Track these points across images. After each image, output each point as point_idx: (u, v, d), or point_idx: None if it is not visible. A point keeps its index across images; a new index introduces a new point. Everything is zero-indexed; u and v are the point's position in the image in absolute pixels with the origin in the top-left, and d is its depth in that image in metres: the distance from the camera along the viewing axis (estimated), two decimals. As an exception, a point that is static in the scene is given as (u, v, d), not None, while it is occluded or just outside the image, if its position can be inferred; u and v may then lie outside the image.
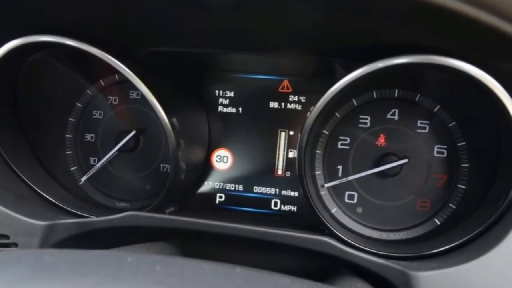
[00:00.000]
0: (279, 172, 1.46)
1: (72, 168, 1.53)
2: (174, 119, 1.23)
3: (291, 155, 1.44)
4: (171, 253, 1.14)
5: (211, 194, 1.50)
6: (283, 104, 1.45)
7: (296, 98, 1.44)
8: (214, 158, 1.50)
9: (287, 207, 1.45)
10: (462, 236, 1.08)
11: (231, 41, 1.22)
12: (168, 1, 0.99)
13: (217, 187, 1.50)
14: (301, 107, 1.44)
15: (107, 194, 1.53)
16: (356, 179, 1.35)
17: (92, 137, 1.54)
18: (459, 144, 1.29)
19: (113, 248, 1.06)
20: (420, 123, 1.33)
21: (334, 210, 1.37)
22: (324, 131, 1.37)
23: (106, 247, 1.04)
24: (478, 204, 1.18)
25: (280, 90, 1.45)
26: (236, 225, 1.08)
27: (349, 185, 1.37)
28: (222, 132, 1.50)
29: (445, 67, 1.01)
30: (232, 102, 1.49)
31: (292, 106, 1.44)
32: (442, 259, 1.05)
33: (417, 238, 1.31)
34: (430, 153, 1.32)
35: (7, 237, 1.14)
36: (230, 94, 1.49)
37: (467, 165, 1.29)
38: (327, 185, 1.36)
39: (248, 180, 1.48)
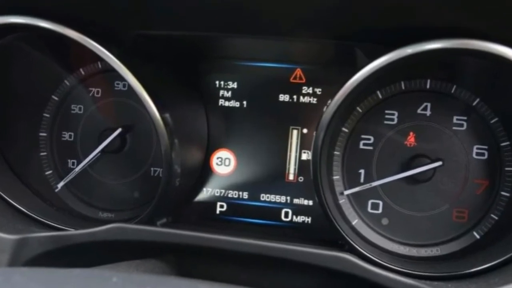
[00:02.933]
0: (291, 177, 1.45)
1: (47, 173, 1.54)
2: (167, 115, 1.23)
3: (304, 157, 1.44)
4: (164, 272, 1.14)
5: (211, 203, 1.50)
6: (295, 97, 1.44)
7: (310, 90, 1.44)
8: (214, 160, 1.50)
9: (300, 218, 1.45)
10: (506, 252, 1.08)
11: (233, 23, 1.21)
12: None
13: (217, 194, 1.50)
14: (316, 101, 1.43)
15: (88, 203, 1.54)
16: (381, 185, 1.35)
17: (70, 136, 1.54)
18: (502, 144, 1.29)
19: (95, 266, 1.06)
20: (457, 119, 1.32)
21: (355, 221, 1.37)
22: (344, 129, 1.37)
23: (87, 265, 1.04)
24: (525, 214, 1.18)
25: (291, 80, 1.45)
26: (239, 239, 1.08)
27: (372, 192, 1.36)
28: (224, 130, 1.50)
29: (485, 53, 1.01)
30: (235, 95, 1.49)
31: (306, 99, 1.44)
32: (483, 279, 1.05)
33: (453, 254, 1.30)
34: (468, 155, 1.32)
35: (-29, 253, 1.15)
36: (233, 85, 1.49)
37: (511, 168, 1.28)
38: (347, 192, 1.36)
39: (254, 187, 1.48)
